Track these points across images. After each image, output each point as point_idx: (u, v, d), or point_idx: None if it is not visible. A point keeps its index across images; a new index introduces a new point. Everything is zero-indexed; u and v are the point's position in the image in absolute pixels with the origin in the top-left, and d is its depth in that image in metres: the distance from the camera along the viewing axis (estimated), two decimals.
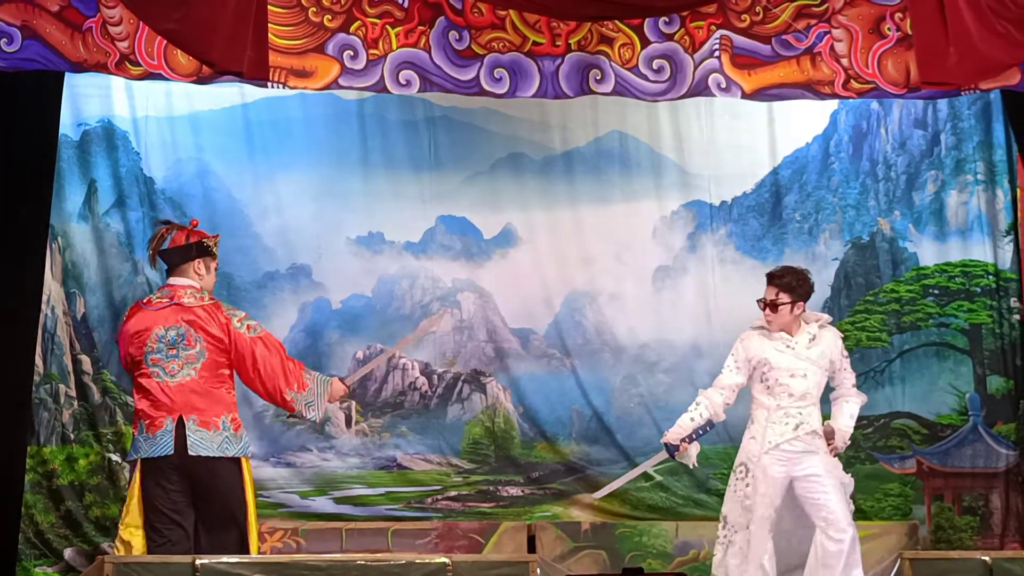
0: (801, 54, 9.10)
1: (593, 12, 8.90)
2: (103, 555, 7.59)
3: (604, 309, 11.25)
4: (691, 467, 8.82)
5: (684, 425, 8.56)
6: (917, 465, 11.11)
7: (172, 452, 7.61)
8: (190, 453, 7.59)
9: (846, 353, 8.63)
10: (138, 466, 7.72)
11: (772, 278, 8.58)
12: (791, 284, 8.51)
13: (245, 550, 7.54)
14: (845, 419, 8.59)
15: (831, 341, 8.56)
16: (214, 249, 8.02)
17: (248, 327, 7.85)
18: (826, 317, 8.69)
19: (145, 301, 7.94)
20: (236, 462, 7.71)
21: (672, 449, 8.56)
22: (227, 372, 7.79)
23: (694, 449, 8.57)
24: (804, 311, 8.55)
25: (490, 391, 11.11)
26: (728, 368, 8.61)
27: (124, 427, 10.62)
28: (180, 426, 7.63)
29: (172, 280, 7.90)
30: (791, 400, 8.42)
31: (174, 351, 7.70)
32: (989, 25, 8.82)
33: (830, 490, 8.36)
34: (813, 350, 8.49)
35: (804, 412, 8.44)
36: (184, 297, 7.79)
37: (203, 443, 7.62)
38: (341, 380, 8.14)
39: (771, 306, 8.54)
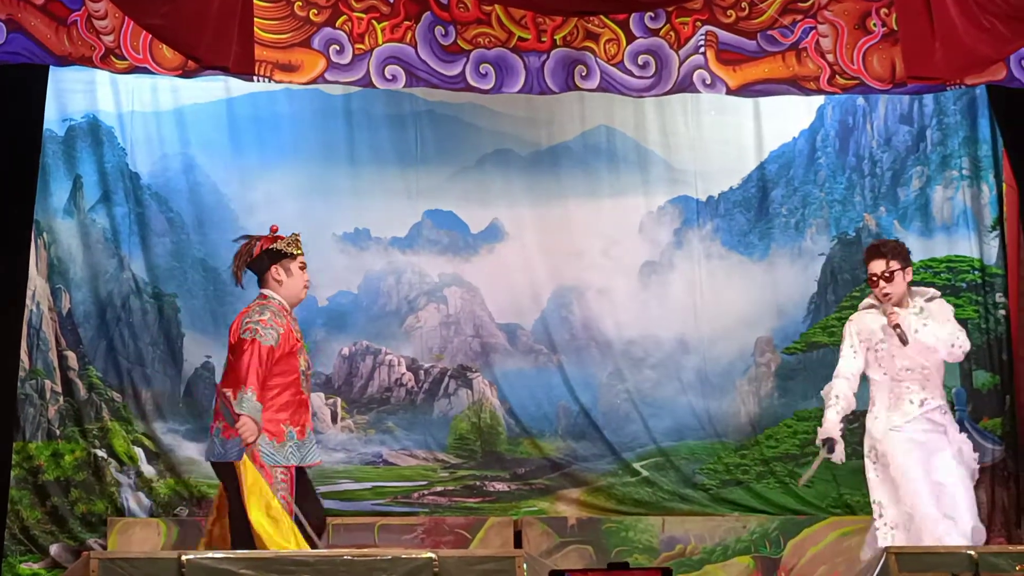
0: (787, 49, 9.11)
1: (578, 7, 8.90)
2: (89, 551, 7.59)
3: (591, 304, 11.25)
4: (839, 463, 8.89)
5: (833, 420, 8.68)
6: None
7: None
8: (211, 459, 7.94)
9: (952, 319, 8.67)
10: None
11: (877, 249, 8.70)
12: (898, 250, 8.63)
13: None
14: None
15: (940, 313, 8.61)
16: (287, 249, 8.11)
17: (247, 328, 7.90)
18: (933, 291, 8.77)
19: None
20: (234, 466, 7.78)
21: (832, 445, 8.64)
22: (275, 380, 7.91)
23: (840, 446, 8.68)
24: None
25: (476, 386, 11.11)
26: (845, 356, 8.70)
27: (109, 423, 10.62)
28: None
29: (260, 290, 8.11)
30: (910, 376, 8.45)
31: (229, 357, 7.94)
32: (975, 20, 8.83)
33: (958, 483, 8.47)
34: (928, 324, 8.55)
35: (926, 389, 8.49)
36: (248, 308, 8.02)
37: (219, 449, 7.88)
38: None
39: (886, 278, 8.57)
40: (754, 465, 10.94)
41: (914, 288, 8.76)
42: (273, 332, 7.88)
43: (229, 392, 7.78)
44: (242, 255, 8.11)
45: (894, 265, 8.59)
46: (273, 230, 8.19)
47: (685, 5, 9.03)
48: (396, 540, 10.37)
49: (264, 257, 8.06)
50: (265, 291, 8.08)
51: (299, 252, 8.12)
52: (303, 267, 8.11)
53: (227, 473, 7.82)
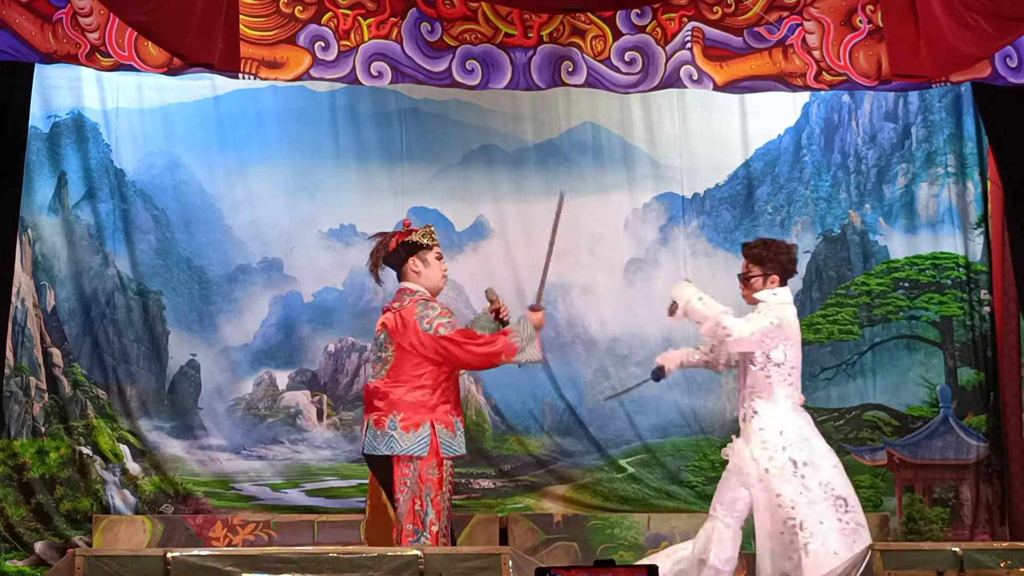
0: (773, 46, 9.13)
1: (565, 4, 8.91)
2: (74, 548, 7.58)
3: (576, 302, 11.25)
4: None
5: (683, 353, 8.72)
6: (888, 457, 11.14)
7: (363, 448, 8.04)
8: (364, 452, 7.98)
9: (756, 311, 8.48)
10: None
11: (743, 248, 8.61)
12: (761, 255, 8.50)
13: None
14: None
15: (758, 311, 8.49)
16: (423, 240, 8.17)
17: (438, 326, 7.93)
18: (767, 299, 8.54)
19: (385, 306, 8.23)
20: (406, 461, 7.86)
21: (661, 373, 8.65)
22: (419, 373, 7.94)
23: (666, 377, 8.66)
24: (779, 286, 8.52)
25: (462, 384, 11.07)
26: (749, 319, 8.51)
27: (95, 420, 10.61)
28: (366, 426, 8.00)
29: (400, 284, 8.15)
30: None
31: (380, 353, 8.04)
32: (959, 18, 8.85)
33: None
34: None
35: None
36: (395, 302, 8.07)
37: (372, 442, 7.93)
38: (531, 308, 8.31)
39: (742, 279, 8.55)
40: None
41: (766, 295, 8.54)
42: (449, 323, 7.99)
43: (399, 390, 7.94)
44: (378, 251, 8.20)
45: (752, 271, 8.52)
46: (406, 224, 8.29)
47: (671, 2, 9.06)
48: None
49: (401, 250, 8.14)
50: (407, 284, 8.14)
51: (434, 243, 8.19)
52: (439, 257, 8.20)
53: (381, 466, 7.92)
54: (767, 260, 8.49)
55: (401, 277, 8.17)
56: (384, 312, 8.13)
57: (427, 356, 7.90)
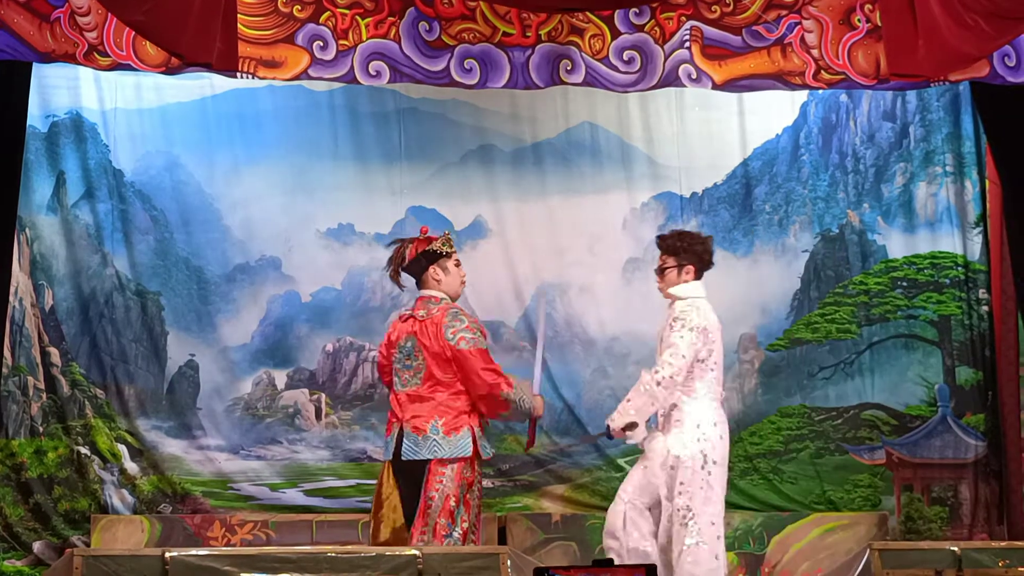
0: (771, 45, 9.12)
1: (563, 3, 8.90)
2: (72, 548, 7.58)
3: (574, 301, 11.24)
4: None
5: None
6: (887, 456, 11.14)
7: (391, 457, 8.09)
8: (402, 458, 8.03)
9: (675, 330, 8.42)
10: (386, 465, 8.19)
11: (657, 240, 8.62)
12: (675, 246, 8.49)
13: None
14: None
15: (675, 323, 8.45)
16: (444, 249, 8.32)
17: (460, 339, 8.09)
18: (683, 304, 8.50)
19: (402, 313, 8.39)
20: (442, 463, 8.00)
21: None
22: (454, 379, 8.10)
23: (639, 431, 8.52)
24: (695, 278, 8.51)
25: None
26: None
27: (93, 420, 10.61)
28: (401, 432, 8.08)
29: (420, 292, 8.30)
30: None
31: (409, 361, 8.13)
32: (958, 18, 8.84)
33: None
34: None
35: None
36: (419, 310, 8.20)
37: (412, 448, 8.02)
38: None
39: (657, 272, 8.55)
40: (738, 462, 10.94)
41: (679, 291, 8.54)
42: (472, 339, 8.13)
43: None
44: (396, 259, 8.35)
45: (667, 261, 8.53)
46: (423, 231, 8.40)
47: (670, 1, 9.05)
48: None
49: (421, 259, 8.30)
50: (430, 292, 8.29)
51: (453, 250, 8.36)
52: (458, 264, 8.37)
53: (415, 469, 8.02)
54: (681, 251, 8.51)
55: (421, 285, 8.32)
56: (403, 320, 8.28)
57: (449, 363, 8.07)
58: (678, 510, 8.25)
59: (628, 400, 8.43)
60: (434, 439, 7.99)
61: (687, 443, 8.32)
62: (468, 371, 8.05)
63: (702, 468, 8.29)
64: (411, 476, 8.02)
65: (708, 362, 8.47)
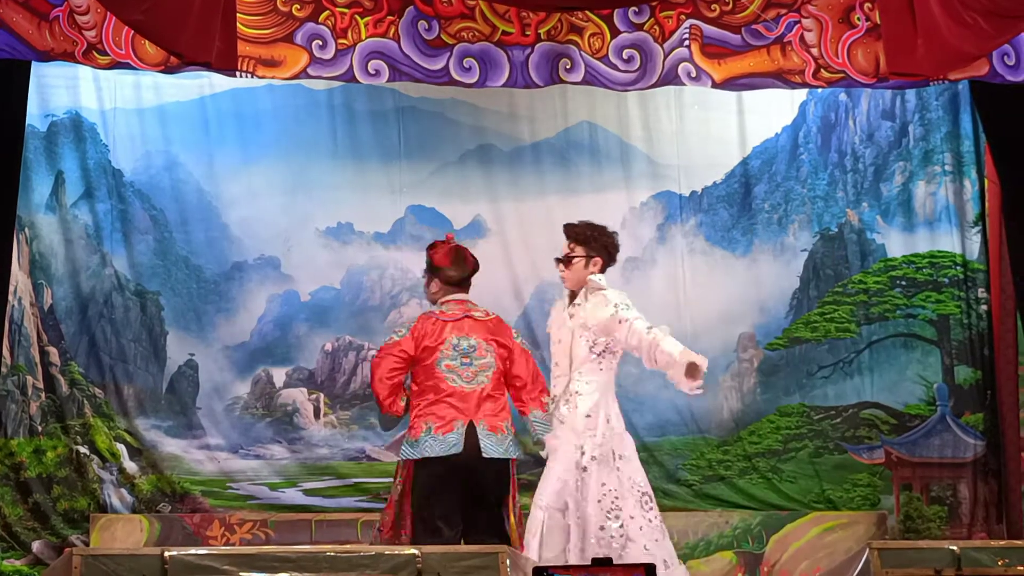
0: (771, 43, 9.12)
1: (563, 2, 8.92)
2: (71, 548, 7.58)
3: None
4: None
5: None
6: (886, 455, 11.14)
7: (461, 451, 8.06)
8: (484, 456, 8.08)
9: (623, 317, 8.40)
10: (409, 464, 8.18)
11: (565, 229, 8.57)
12: (585, 235, 8.48)
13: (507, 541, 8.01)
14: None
15: (594, 309, 8.42)
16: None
17: (520, 340, 8.39)
18: (601, 288, 8.52)
19: (431, 313, 8.37)
20: (510, 463, 8.20)
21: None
22: (508, 378, 8.31)
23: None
24: (600, 271, 8.50)
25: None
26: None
27: (92, 419, 10.60)
28: (471, 430, 8.08)
29: (461, 295, 8.38)
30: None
31: (468, 360, 8.18)
32: (957, 16, 8.84)
33: None
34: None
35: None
36: (474, 311, 8.30)
37: (495, 447, 8.11)
38: None
39: (563, 260, 8.52)
40: (736, 461, 10.95)
41: (593, 282, 8.52)
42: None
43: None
44: (472, 265, 8.52)
45: (576, 250, 8.51)
46: (449, 238, 8.52)
47: None
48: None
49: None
50: (467, 296, 8.46)
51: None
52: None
53: (495, 470, 8.15)
54: (591, 240, 8.50)
55: (466, 288, 8.44)
56: (450, 320, 8.25)
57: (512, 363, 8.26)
58: (608, 512, 8.20)
59: (668, 349, 8.24)
60: (510, 437, 8.16)
61: (602, 441, 8.32)
62: (533, 367, 8.31)
63: (615, 464, 8.28)
64: (484, 473, 8.09)
65: (617, 354, 8.51)
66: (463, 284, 8.40)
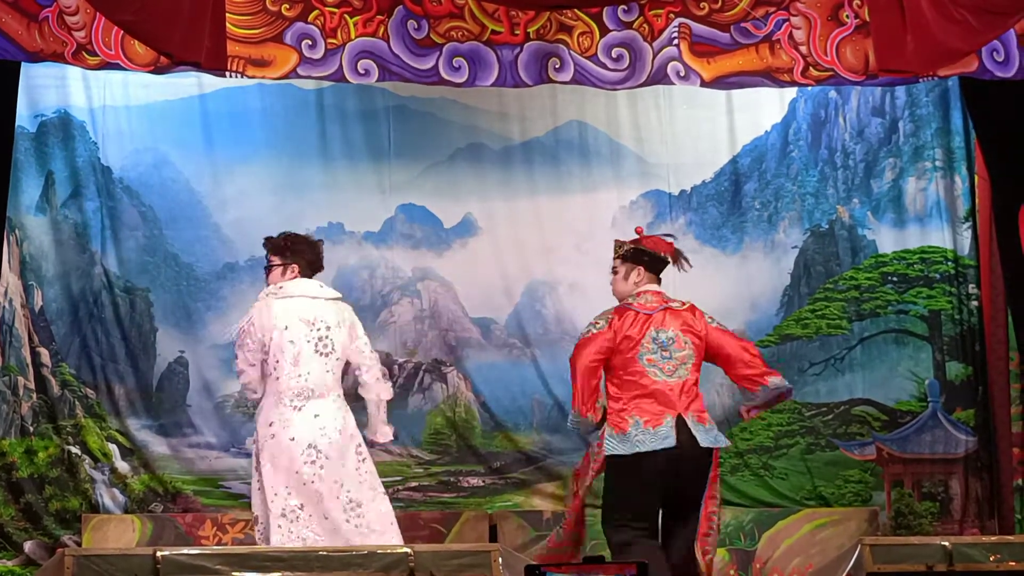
0: (760, 42, 9.13)
1: (552, 1, 8.92)
2: (63, 548, 7.57)
3: (564, 299, 11.24)
4: None
5: None
6: (877, 451, 11.15)
7: (675, 445, 7.91)
8: (702, 446, 7.95)
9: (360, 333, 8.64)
10: (601, 459, 8.07)
11: (264, 242, 8.55)
12: (279, 245, 8.44)
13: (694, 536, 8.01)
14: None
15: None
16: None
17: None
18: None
19: (626, 306, 8.21)
20: (713, 453, 8.06)
21: None
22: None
23: None
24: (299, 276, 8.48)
25: (451, 381, 11.10)
26: None
27: (83, 419, 10.59)
28: (682, 422, 7.95)
29: (654, 287, 8.22)
30: None
31: (667, 352, 8.04)
32: (946, 13, 8.87)
33: None
34: None
35: None
36: (672, 301, 8.17)
37: (707, 436, 7.98)
38: None
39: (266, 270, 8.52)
40: (728, 458, 10.95)
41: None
42: None
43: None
44: (678, 259, 8.37)
45: (273, 260, 8.49)
46: (638, 231, 8.45)
47: None
48: None
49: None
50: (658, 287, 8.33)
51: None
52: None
53: (703, 462, 8.02)
54: (287, 251, 8.44)
55: (657, 280, 8.27)
56: (652, 310, 8.11)
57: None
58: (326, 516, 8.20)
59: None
60: (715, 427, 8.07)
61: (332, 440, 8.50)
62: (735, 344, 8.20)
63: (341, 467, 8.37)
64: (694, 463, 7.97)
65: (339, 353, 8.70)
66: (657, 274, 8.30)
